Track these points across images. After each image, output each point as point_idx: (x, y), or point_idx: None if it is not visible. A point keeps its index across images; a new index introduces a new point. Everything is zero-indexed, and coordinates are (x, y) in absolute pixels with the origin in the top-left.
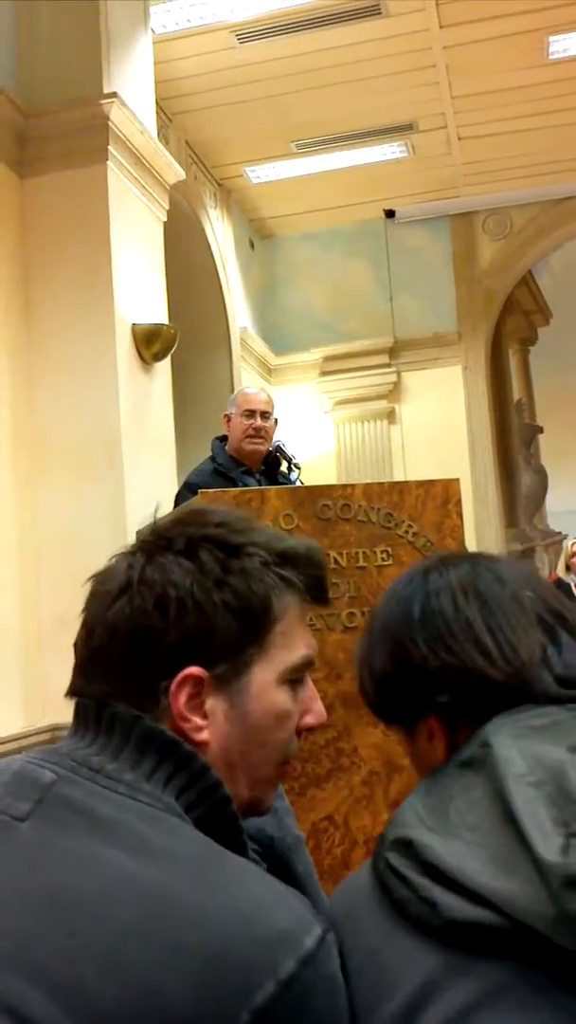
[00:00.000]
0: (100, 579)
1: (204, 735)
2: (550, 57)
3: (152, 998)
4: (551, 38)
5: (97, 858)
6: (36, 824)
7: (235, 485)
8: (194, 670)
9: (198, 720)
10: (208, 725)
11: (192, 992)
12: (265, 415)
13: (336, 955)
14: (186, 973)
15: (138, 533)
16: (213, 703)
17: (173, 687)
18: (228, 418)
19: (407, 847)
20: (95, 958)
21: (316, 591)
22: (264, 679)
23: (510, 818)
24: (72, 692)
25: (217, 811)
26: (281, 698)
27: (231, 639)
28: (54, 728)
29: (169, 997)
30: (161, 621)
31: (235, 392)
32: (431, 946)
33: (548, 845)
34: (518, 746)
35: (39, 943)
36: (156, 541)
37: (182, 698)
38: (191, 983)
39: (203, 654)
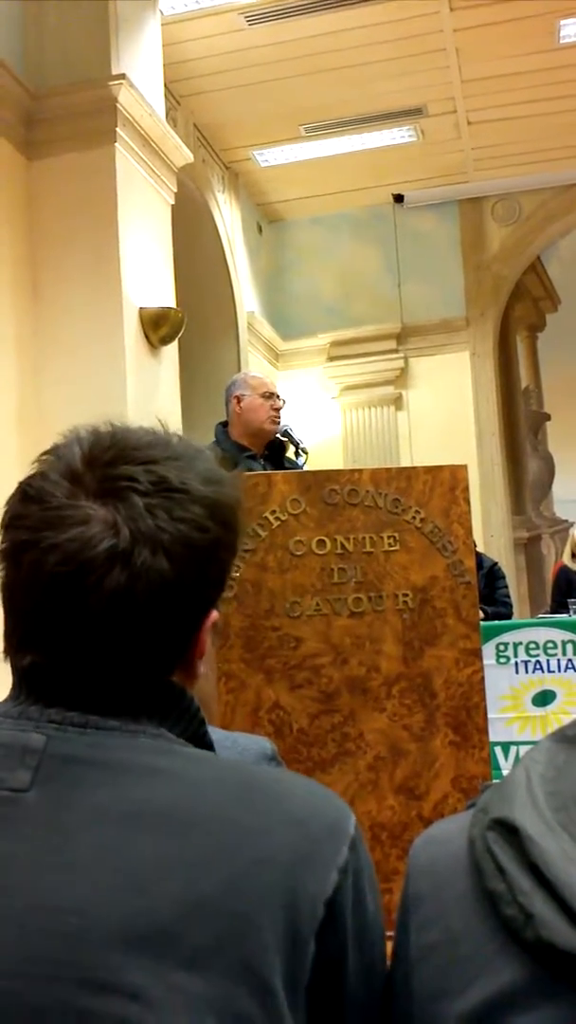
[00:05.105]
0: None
1: (203, 667)
2: (561, 41)
3: (249, 921)
4: (562, 22)
5: (130, 808)
6: (43, 791)
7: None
8: (215, 615)
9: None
10: (203, 661)
11: (283, 902)
12: (278, 396)
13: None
14: (270, 895)
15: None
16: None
17: (203, 633)
18: (239, 399)
19: (512, 833)
20: (173, 905)
21: None
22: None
23: None
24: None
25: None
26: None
27: (226, 581)
28: None
29: (262, 917)
30: (200, 574)
31: (239, 376)
32: (519, 952)
33: None
34: None
35: (114, 907)
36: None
37: (207, 640)
38: (281, 899)
39: (218, 597)
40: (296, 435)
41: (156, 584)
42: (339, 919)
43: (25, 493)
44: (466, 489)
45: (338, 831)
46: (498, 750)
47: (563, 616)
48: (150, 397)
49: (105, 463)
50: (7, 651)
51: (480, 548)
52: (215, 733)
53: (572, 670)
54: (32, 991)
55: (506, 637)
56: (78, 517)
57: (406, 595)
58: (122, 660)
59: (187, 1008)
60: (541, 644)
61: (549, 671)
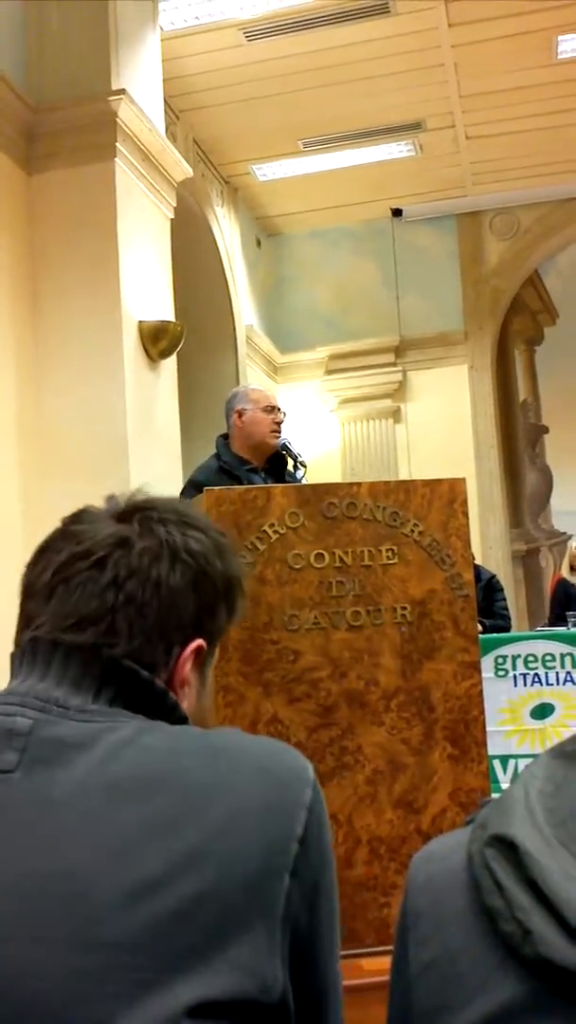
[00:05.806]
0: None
1: (185, 703)
2: (558, 57)
3: (230, 867)
4: (560, 38)
5: (110, 779)
6: (29, 771)
7: (240, 483)
8: (201, 642)
9: (186, 688)
10: (186, 695)
11: (258, 843)
12: (279, 409)
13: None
14: (245, 839)
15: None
16: (193, 676)
17: (186, 652)
18: (241, 413)
19: (510, 849)
20: (158, 861)
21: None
22: (213, 664)
23: None
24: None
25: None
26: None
27: (222, 624)
28: None
29: (241, 860)
30: (194, 591)
31: (240, 390)
32: (517, 968)
33: None
34: None
35: (93, 880)
36: (177, 518)
37: (188, 664)
38: (257, 841)
39: (207, 630)
40: (294, 448)
41: (153, 576)
42: (310, 853)
43: (65, 519)
44: (464, 502)
45: (302, 775)
46: (496, 763)
47: (561, 629)
48: (149, 410)
49: (134, 506)
50: (17, 640)
51: (478, 561)
52: None
53: (570, 683)
54: (32, 953)
55: (505, 650)
56: (98, 521)
57: (404, 608)
58: (111, 640)
59: (179, 955)
60: (539, 657)
61: (547, 684)
